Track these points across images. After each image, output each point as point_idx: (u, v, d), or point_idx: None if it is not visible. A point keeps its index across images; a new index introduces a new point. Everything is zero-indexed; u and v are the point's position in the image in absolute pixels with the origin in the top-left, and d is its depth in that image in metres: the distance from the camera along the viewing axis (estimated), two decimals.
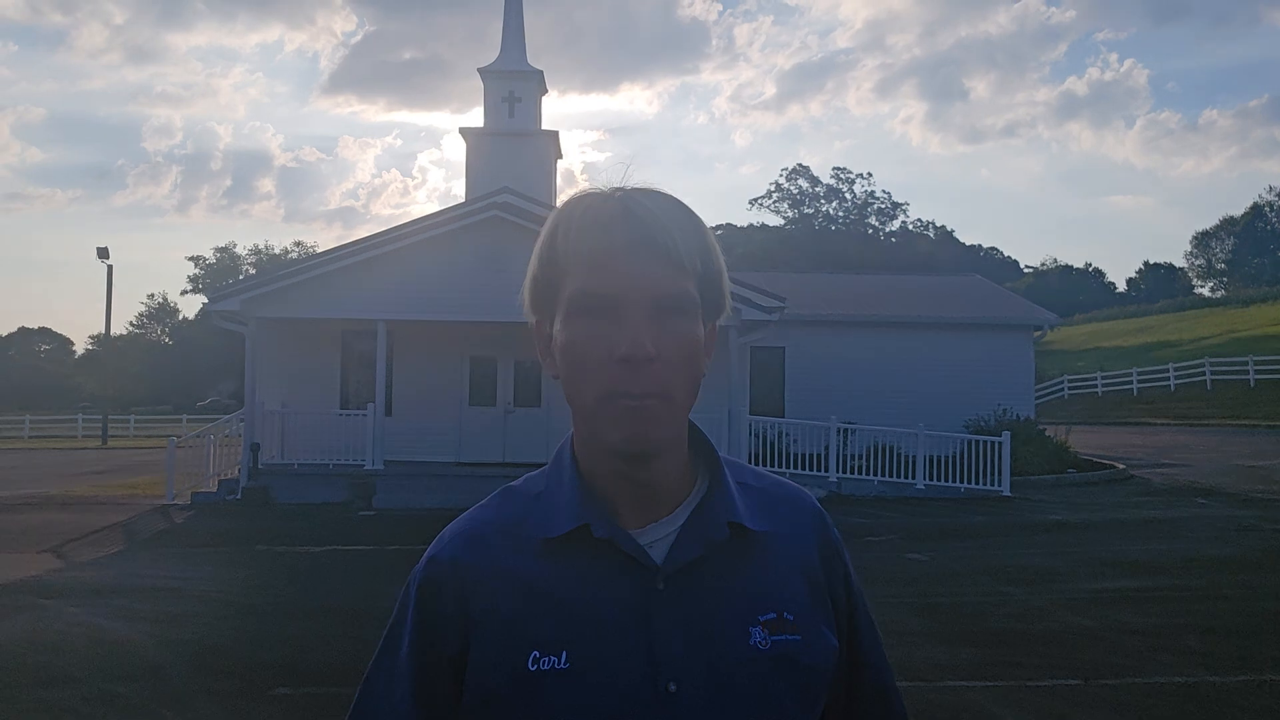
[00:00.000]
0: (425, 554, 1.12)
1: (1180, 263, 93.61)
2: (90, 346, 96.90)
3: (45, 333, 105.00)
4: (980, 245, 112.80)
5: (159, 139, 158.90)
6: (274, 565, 10.48)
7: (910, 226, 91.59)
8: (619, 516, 1.07)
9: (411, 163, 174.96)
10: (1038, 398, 45.71)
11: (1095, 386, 46.41)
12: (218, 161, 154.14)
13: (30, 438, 43.80)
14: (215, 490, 15.76)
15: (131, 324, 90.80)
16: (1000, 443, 16.22)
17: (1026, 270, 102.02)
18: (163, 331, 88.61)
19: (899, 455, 16.74)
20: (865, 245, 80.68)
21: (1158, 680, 5.91)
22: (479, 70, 18.41)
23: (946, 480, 16.36)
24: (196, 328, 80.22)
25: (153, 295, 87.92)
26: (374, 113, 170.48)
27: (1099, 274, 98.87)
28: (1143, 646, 6.73)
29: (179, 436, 16.96)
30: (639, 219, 1.01)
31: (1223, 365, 41.35)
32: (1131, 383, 44.60)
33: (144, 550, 11.52)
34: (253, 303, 15.60)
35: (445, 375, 17.38)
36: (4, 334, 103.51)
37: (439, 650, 1.06)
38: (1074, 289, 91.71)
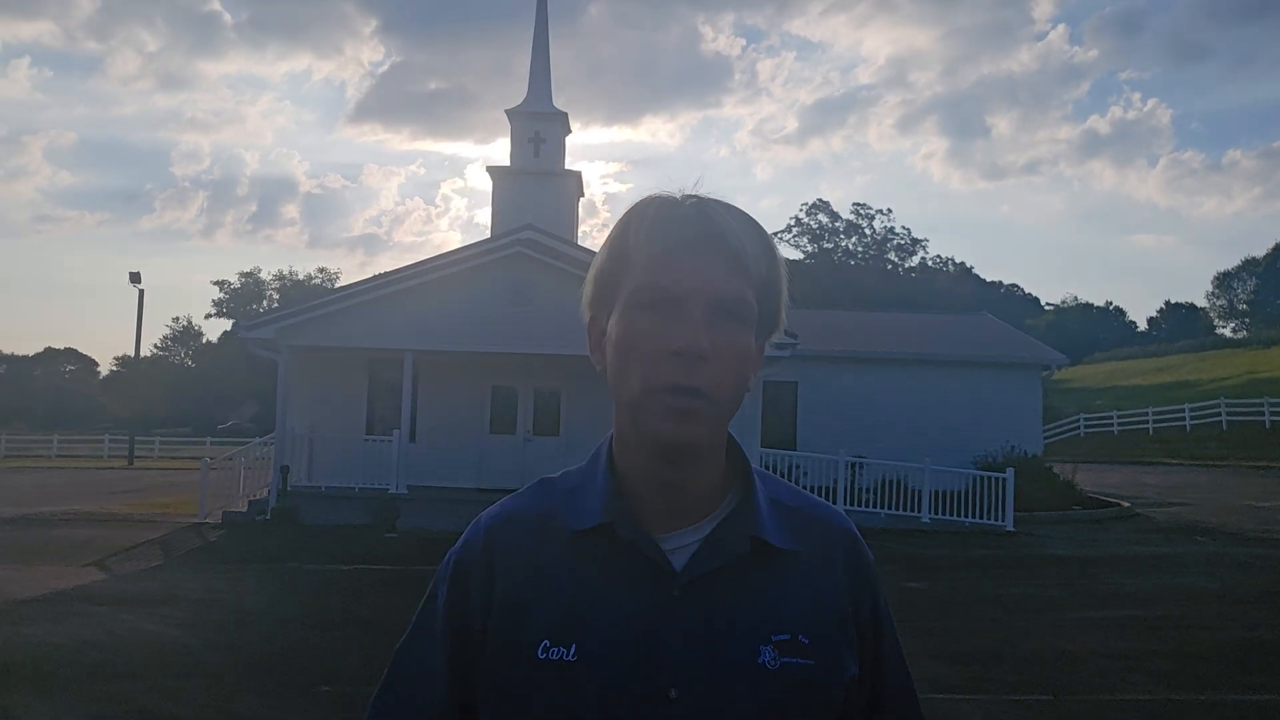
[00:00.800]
0: (461, 536, 1.16)
1: (1202, 303, 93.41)
2: (115, 368, 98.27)
3: (71, 353, 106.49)
4: (1001, 282, 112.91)
5: (187, 164, 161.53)
6: (305, 581, 11.08)
7: (929, 263, 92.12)
8: (647, 519, 1.07)
9: (434, 191, 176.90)
10: (1053, 435, 46.06)
11: (1111, 425, 46.59)
12: (244, 187, 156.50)
13: (58, 456, 44.67)
14: (245, 510, 16.40)
15: (156, 346, 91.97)
16: (1004, 479, 16.69)
17: (1047, 308, 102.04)
18: (186, 354, 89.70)
19: (907, 489, 17.22)
20: (884, 280, 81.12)
21: (1124, 697, 6.42)
22: (506, 111, 19.26)
23: (952, 514, 16.82)
24: (219, 351, 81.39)
25: (177, 319, 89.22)
26: (398, 142, 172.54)
27: (1120, 312, 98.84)
28: (1117, 668, 7.23)
29: (211, 459, 17.66)
30: (711, 221, 1.04)
31: (1238, 406, 41.53)
32: (1147, 422, 44.80)
33: (182, 565, 12.16)
34: (286, 331, 16.33)
35: (468, 404, 18.03)
36: (31, 354, 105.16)
37: (468, 626, 1.10)
38: (1094, 327, 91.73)
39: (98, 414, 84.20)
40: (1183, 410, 43.68)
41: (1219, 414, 41.61)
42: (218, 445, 45.58)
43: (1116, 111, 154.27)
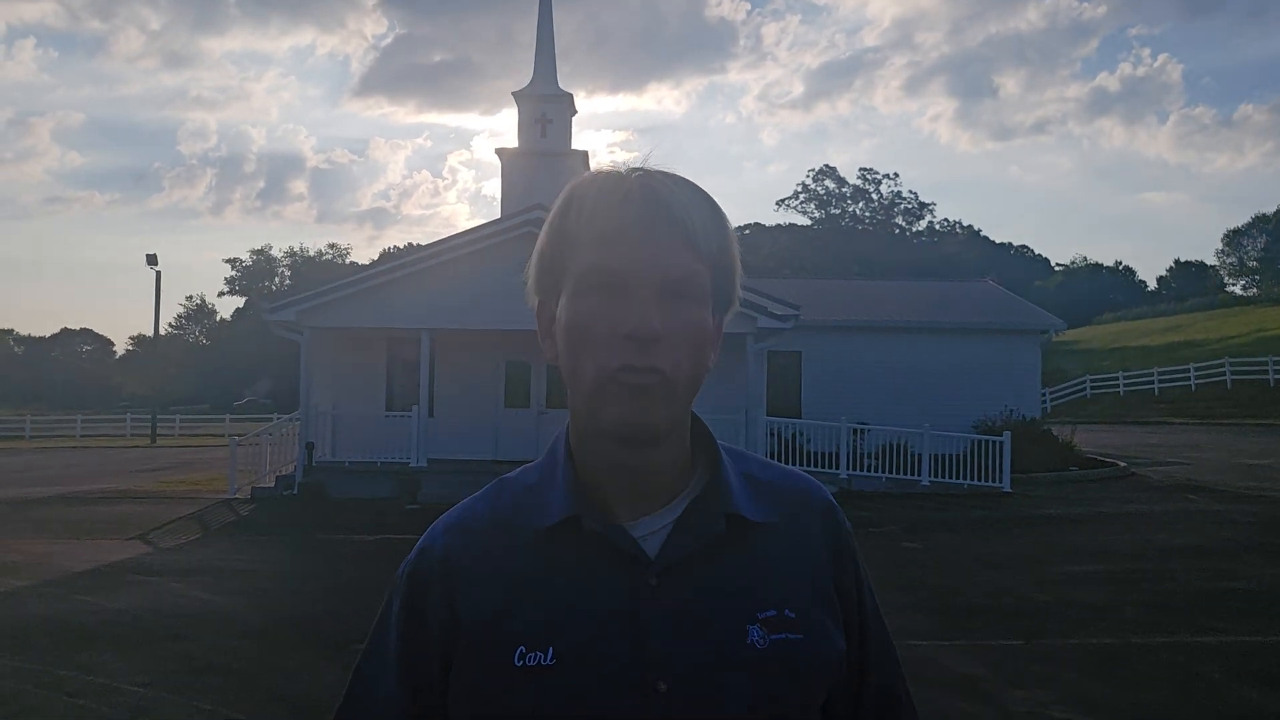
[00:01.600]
0: (416, 545, 1.11)
1: (1212, 260, 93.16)
2: (130, 347, 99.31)
3: (87, 333, 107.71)
4: (1010, 243, 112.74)
5: (194, 142, 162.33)
6: (335, 551, 11.80)
7: (937, 226, 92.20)
8: (612, 508, 1.04)
9: (441, 164, 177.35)
10: (1059, 398, 46.51)
11: (1117, 386, 46.92)
12: (251, 164, 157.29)
13: (82, 436, 45.58)
14: (273, 485, 17.15)
15: (170, 325, 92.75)
16: (1001, 442, 17.30)
17: (1057, 268, 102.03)
18: (200, 333, 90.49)
19: (908, 454, 17.86)
20: (893, 245, 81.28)
21: (1088, 641, 7.07)
22: (513, 94, 19.76)
23: (951, 477, 17.46)
24: (233, 328, 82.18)
25: (191, 297, 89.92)
26: (404, 114, 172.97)
27: (1129, 272, 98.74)
28: (1086, 616, 7.88)
29: (239, 436, 18.36)
30: (658, 197, 0.99)
31: (1243, 365, 41.89)
32: (1153, 382, 45.14)
33: (219, 538, 12.91)
34: (307, 313, 17.00)
35: (483, 379, 18.71)
36: (47, 335, 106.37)
37: (426, 642, 1.05)
38: (1104, 287, 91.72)
39: (115, 393, 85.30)
40: (1188, 370, 44.05)
41: (1224, 373, 42.00)
42: (236, 422, 46.53)
43: (1126, 68, 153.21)
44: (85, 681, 6.05)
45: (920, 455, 17.66)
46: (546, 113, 19.76)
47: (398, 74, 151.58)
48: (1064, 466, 19.78)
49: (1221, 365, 42.44)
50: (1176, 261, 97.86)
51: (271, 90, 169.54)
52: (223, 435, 42.86)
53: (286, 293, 18.29)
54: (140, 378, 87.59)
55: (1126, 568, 10.11)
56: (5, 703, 5.66)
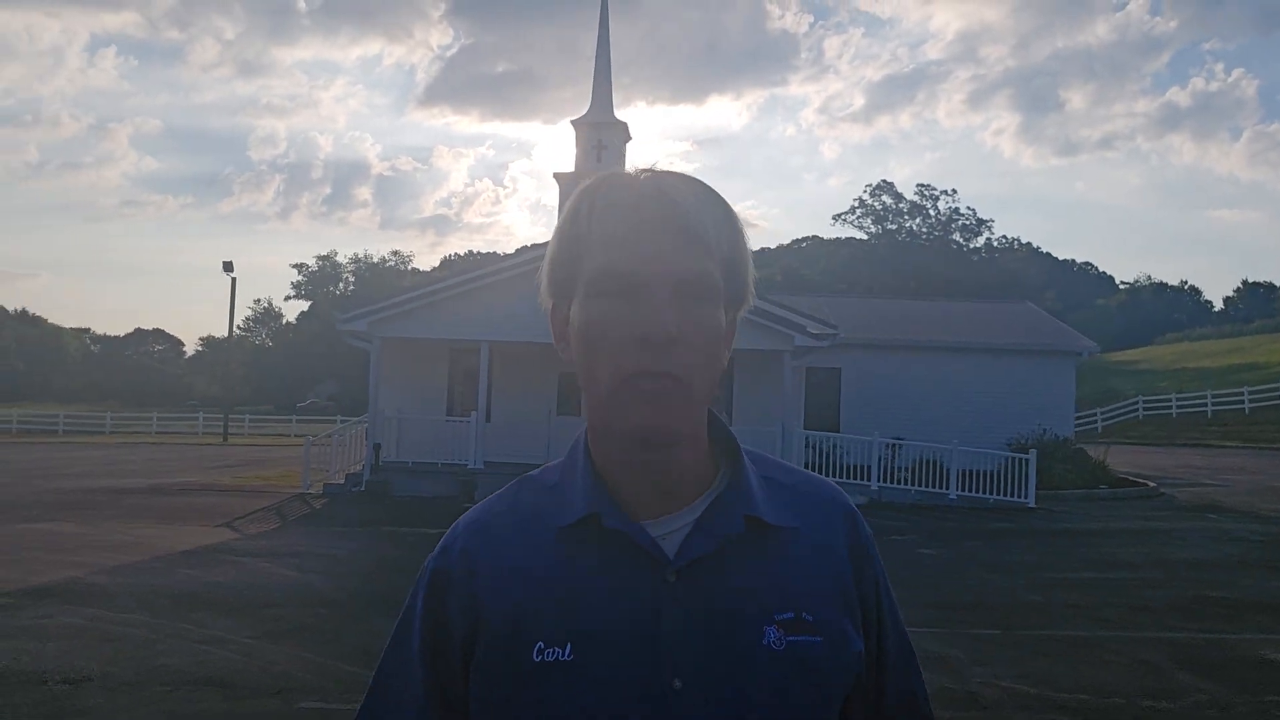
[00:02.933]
0: (438, 543, 1.13)
1: None
2: (200, 348, 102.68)
3: (159, 334, 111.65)
4: (1074, 260, 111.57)
5: (264, 148, 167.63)
6: (401, 541, 13.06)
7: (995, 243, 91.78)
8: (632, 508, 1.05)
9: (503, 172, 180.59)
10: (1111, 417, 46.52)
11: (1170, 407, 46.77)
12: (318, 170, 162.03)
13: (157, 433, 47.84)
14: (343, 482, 18.54)
15: (239, 327, 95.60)
16: (1027, 460, 18.09)
17: (1121, 286, 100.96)
18: (266, 335, 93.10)
19: (939, 468, 18.70)
20: (951, 261, 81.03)
21: (1060, 633, 8.01)
22: (571, 122, 21.07)
23: (978, 492, 18.26)
24: (298, 331, 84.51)
25: (258, 300, 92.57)
26: (467, 123, 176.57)
27: (1195, 292, 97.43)
28: (1068, 614, 8.80)
29: (313, 436, 19.82)
30: (668, 197, 1.00)
31: None
32: (1206, 404, 44.99)
33: (296, 527, 14.27)
34: (377, 323, 18.41)
35: (538, 389, 19.98)
36: (121, 334, 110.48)
37: (447, 637, 1.07)
38: (1168, 306, 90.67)
39: (185, 392, 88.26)
40: (1242, 393, 43.86)
41: (1278, 397, 41.79)
42: (302, 423, 48.46)
43: (1198, 83, 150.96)
44: (203, 634, 7.33)
45: (949, 470, 18.50)
46: (602, 139, 21.02)
47: (462, 83, 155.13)
48: (1093, 485, 20.43)
49: (1277, 388, 42.24)
50: (1244, 282, 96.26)
51: (339, 98, 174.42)
52: (289, 435, 44.83)
53: (358, 304, 19.72)
54: (209, 378, 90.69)
55: (1122, 576, 10.96)
56: (145, 646, 6.95)
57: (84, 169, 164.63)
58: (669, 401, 0.98)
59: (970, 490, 18.33)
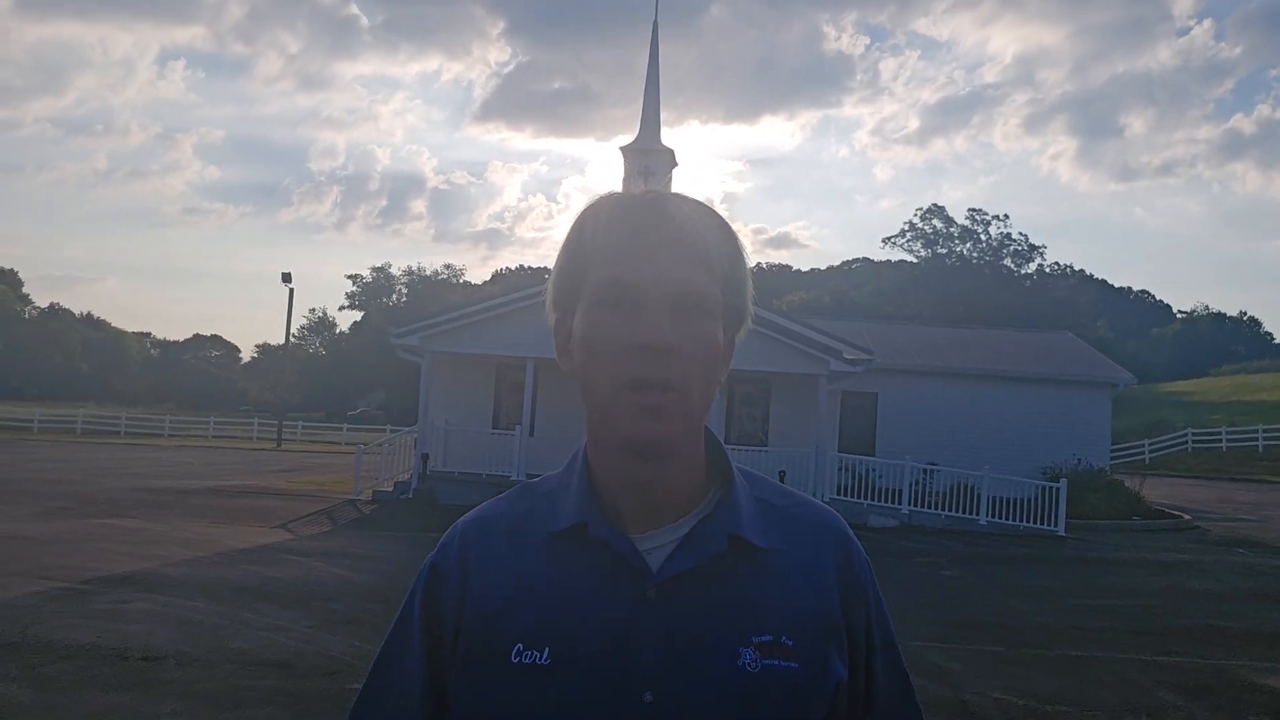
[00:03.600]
0: (438, 542, 1.17)
1: None
2: (255, 355, 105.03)
3: (216, 340, 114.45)
4: (1130, 288, 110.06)
5: (323, 160, 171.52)
6: None
7: (1047, 269, 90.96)
8: (623, 519, 1.07)
9: (556, 188, 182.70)
10: (1159, 449, 46.11)
11: (1220, 441, 46.25)
12: (375, 183, 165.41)
13: (213, 436, 49.29)
14: (392, 490, 19.36)
15: (294, 335, 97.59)
16: (1058, 489, 18.38)
17: (1179, 315, 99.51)
18: (320, 344, 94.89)
19: (971, 494, 19.03)
20: (1001, 287, 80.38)
21: (1057, 653, 8.45)
22: (620, 148, 21.88)
23: (1009, 519, 18.58)
24: (351, 341, 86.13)
25: (313, 310, 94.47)
26: (522, 139, 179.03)
27: (1255, 323, 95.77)
28: (1072, 636, 9.23)
29: (365, 444, 20.72)
30: (670, 216, 1.03)
31: None
32: (1257, 439, 44.45)
33: (347, 530, 15.07)
34: (428, 338, 19.26)
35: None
36: (180, 339, 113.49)
37: (442, 630, 1.10)
38: (1227, 337, 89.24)
39: (239, 398, 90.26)
40: None
41: None
42: (354, 431, 49.66)
43: (1264, 110, 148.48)
44: (265, 622, 8.08)
45: (980, 496, 18.84)
46: (649, 166, 21.76)
47: (518, 100, 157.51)
48: (1127, 516, 20.60)
49: None
50: None
51: (398, 113, 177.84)
52: (339, 443, 46.01)
53: (410, 317, 20.67)
54: (263, 384, 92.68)
55: (1137, 604, 11.31)
56: (213, 630, 7.70)
57: (150, 177, 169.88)
58: (665, 413, 1.00)
59: (1000, 517, 18.64)
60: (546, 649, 1.04)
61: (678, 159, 22.41)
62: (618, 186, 22.47)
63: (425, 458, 19.05)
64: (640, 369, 1.00)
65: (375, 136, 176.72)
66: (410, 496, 18.84)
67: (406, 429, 22.14)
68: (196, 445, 41.25)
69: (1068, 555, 15.81)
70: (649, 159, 21.86)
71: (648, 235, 1.03)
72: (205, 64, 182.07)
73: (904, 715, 1.18)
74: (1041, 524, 18.45)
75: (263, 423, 51.72)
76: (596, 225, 1.05)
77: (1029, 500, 18.74)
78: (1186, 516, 21.44)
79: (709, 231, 1.04)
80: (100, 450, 33.36)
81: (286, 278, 44.42)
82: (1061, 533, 18.21)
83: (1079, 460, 21.73)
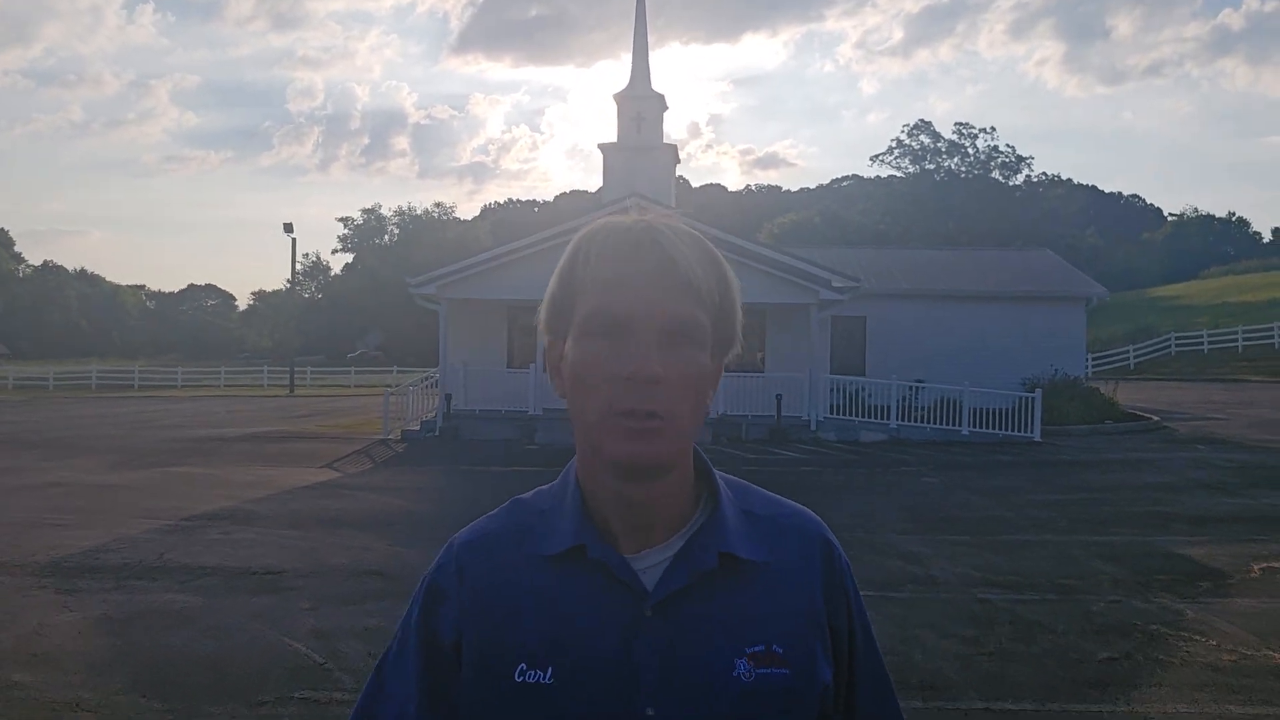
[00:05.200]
0: (435, 560, 1.22)
1: None
2: (252, 302, 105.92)
3: (211, 289, 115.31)
4: (1120, 193, 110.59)
5: (301, 101, 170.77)
6: (476, 477, 15.31)
7: (1035, 179, 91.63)
8: (617, 539, 1.12)
9: (539, 117, 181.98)
10: (1144, 354, 47.62)
11: (1201, 344, 47.60)
12: (356, 121, 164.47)
13: (225, 386, 50.59)
14: (419, 429, 20.90)
15: (287, 281, 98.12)
16: (1033, 398, 19.95)
17: (1170, 218, 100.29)
18: (315, 288, 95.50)
19: (955, 408, 20.59)
20: (991, 199, 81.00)
21: (1013, 538, 10.03)
22: (613, 95, 22.98)
23: (989, 428, 20.17)
24: (344, 284, 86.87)
25: (307, 255, 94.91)
26: (501, 70, 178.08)
27: (1243, 223, 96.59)
28: (1028, 524, 10.81)
29: (391, 388, 22.24)
30: (660, 246, 1.07)
31: None
32: (1237, 340, 45.85)
33: (387, 467, 16.62)
34: (445, 287, 20.67)
35: None
36: (175, 290, 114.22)
37: (439, 650, 1.15)
38: (1216, 239, 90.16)
39: (237, 345, 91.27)
40: (1272, 328, 44.67)
41: None
42: (361, 374, 51.08)
43: (1252, 3, 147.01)
44: (350, 543, 9.63)
45: (963, 408, 20.40)
46: (641, 112, 22.92)
47: (495, 29, 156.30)
48: (1100, 420, 22.22)
49: None
50: None
51: (374, 48, 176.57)
52: (348, 386, 47.38)
53: (409, 262, 22.06)
54: (260, 331, 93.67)
55: (1090, 497, 12.90)
56: (310, 552, 9.26)
57: (127, 125, 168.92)
58: (653, 436, 1.04)
59: (981, 427, 20.22)
60: (550, 668, 1.09)
61: (668, 102, 23.54)
62: (610, 131, 23.59)
63: (449, 397, 20.56)
64: (629, 399, 1.04)
65: (353, 74, 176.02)
66: (437, 434, 20.38)
67: (415, 370, 23.66)
68: (211, 395, 42.48)
69: (1039, 459, 17.40)
70: (640, 106, 22.99)
71: (638, 266, 1.06)
72: (175, 7, 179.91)
73: (884, 714, 1.25)
74: (1019, 431, 20.04)
75: (272, 370, 52.94)
76: (589, 254, 1.09)
77: (1008, 411, 20.32)
78: (1155, 418, 23.03)
79: (699, 263, 1.08)
80: (122, 405, 34.63)
81: (289, 228, 45.42)
82: (1037, 439, 19.82)
83: (1056, 371, 23.30)
